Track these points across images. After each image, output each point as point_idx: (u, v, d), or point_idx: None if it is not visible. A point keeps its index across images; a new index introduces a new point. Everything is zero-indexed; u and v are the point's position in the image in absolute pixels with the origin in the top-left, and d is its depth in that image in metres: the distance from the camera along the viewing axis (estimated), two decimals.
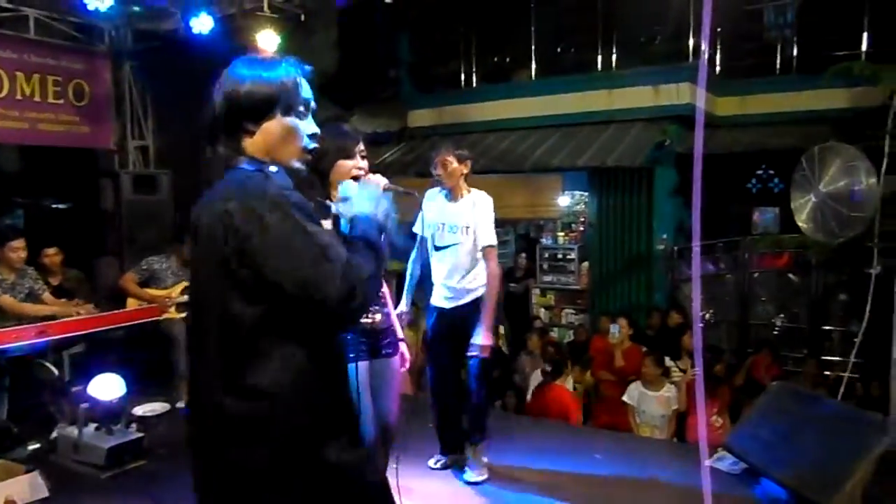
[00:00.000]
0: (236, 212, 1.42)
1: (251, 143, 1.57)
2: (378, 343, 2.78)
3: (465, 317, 3.68)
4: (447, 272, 3.69)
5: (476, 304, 3.67)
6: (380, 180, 1.78)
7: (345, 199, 1.71)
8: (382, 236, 1.62)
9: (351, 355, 2.38)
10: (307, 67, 1.65)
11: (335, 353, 1.59)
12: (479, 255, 3.67)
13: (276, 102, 1.55)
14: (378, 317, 2.75)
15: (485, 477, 3.82)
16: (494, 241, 3.68)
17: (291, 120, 1.58)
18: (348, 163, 2.52)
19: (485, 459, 3.90)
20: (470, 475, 3.81)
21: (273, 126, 1.56)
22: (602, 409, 6.13)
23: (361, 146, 2.57)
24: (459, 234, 3.63)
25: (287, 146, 1.58)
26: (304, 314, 1.44)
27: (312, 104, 1.64)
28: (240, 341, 1.45)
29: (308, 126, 1.62)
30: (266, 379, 1.44)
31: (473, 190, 3.73)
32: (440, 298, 3.79)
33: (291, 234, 1.41)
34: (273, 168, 1.54)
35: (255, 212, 1.41)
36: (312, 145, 1.63)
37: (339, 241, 1.51)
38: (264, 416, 1.44)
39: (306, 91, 1.61)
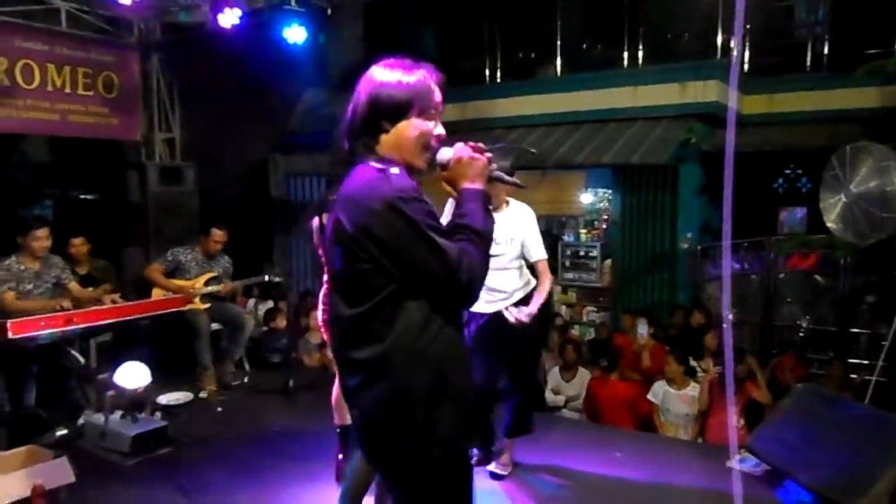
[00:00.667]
0: (365, 210, 1.61)
1: (385, 141, 1.74)
2: None
3: (504, 320, 3.61)
4: (489, 279, 3.58)
5: (521, 304, 3.64)
6: (482, 156, 1.82)
7: (443, 167, 1.80)
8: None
9: None
10: (441, 74, 1.80)
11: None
12: (521, 263, 3.67)
13: (412, 105, 1.72)
14: None
15: (508, 471, 3.87)
16: (545, 254, 3.69)
17: (423, 122, 1.75)
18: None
19: (516, 460, 3.98)
20: (494, 467, 3.87)
21: (407, 126, 1.73)
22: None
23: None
24: (503, 246, 3.58)
25: (417, 145, 1.75)
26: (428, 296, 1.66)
27: (441, 107, 1.79)
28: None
29: (437, 127, 1.78)
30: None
31: (513, 201, 3.70)
32: (481, 303, 3.67)
33: (409, 235, 1.60)
34: (395, 170, 1.67)
35: (379, 213, 1.60)
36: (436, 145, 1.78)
37: (448, 229, 1.67)
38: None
39: (438, 96, 1.77)
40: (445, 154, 1.79)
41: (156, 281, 5.53)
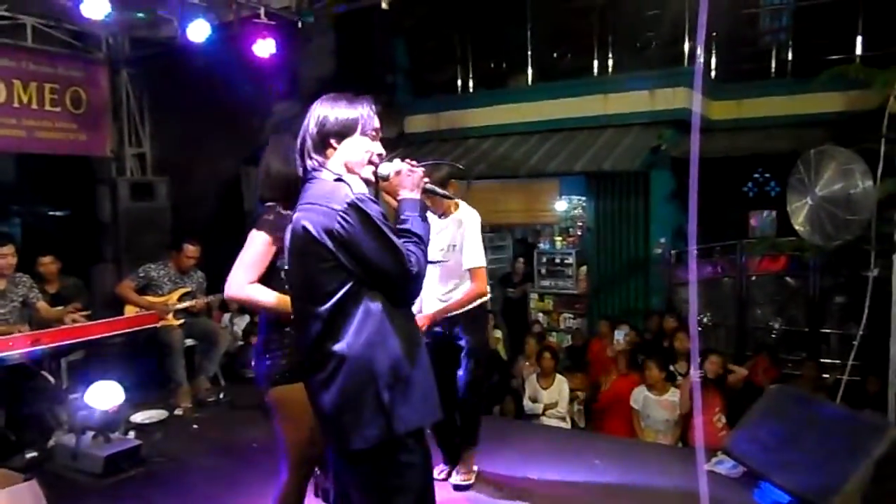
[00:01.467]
0: (327, 214, 1.85)
1: (333, 157, 2.00)
2: None
3: (455, 328, 3.64)
4: (436, 285, 3.63)
5: (467, 316, 3.62)
6: (418, 170, 2.08)
7: (384, 179, 2.05)
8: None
9: (288, 375, 2.56)
10: (378, 104, 2.09)
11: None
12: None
13: (356, 126, 2.01)
14: None
15: (471, 482, 3.81)
16: (480, 262, 3.58)
17: (366, 140, 2.03)
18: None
19: (475, 467, 3.89)
20: (455, 478, 3.82)
21: (352, 143, 2.01)
22: (602, 414, 6.13)
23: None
24: (447, 252, 3.55)
25: (362, 160, 2.01)
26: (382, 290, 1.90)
27: (379, 131, 2.07)
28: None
29: (376, 147, 2.05)
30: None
31: (462, 205, 3.64)
32: (431, 310, 3.69)
33: (367, 231, 1.84)
34: (353, 178, 1.95)
35: (341, 214, 1.84)
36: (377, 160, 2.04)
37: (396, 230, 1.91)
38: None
39: (376, 122, 2.06)
40: (387, 168, 2.05)
41: (128, 298, 5.44)
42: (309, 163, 2.02)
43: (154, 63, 7.57)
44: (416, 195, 2.02)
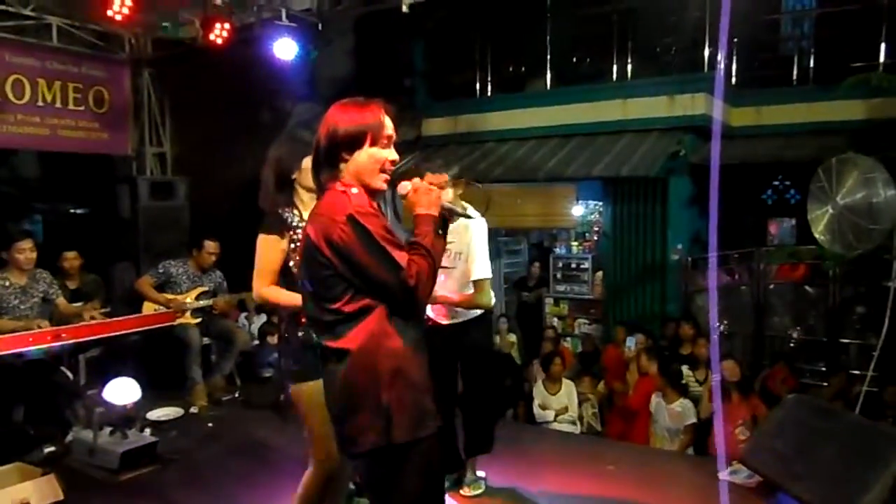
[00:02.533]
0: (328, 225, 1.92)
1: (345, 169, 2.02)
2: None
3: (461, 334, 3.56)
4: (440, 292, 3.46)
5: (476, 322, 3.55)
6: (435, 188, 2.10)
7: (403, 197, 2.09)
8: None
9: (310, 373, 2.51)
10: (390, 106, 2.09)
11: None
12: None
13: (365, 137, 2.00)
14: None
15: (480, 490, 3.74)
16: (486, 274, 3.49)
17: (377, 150, 2.02)
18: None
19: (481, 474, 3.82)
20: (465, 489, 3.73)
21: (362, 155, 2.01)
22: (616, 419, 6.10)
23: None
24: (453, 259, 3.47)
25: (373, 170, 2.03)
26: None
27: (392, 136, 2.07)
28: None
29: (390, 154, 2.06)
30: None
31: (470, 210, 3.44)
32: (438, 318, 3.62)
33: (363, 243, 1.88)
34: (354, 190, 1.97)
35: (340, 227, 1.89)
36: (390, 168, 2.07)
37: (401, 240, 1.95)
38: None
39: (388, 127, 2.06)
40: (405, 187, 2.09)
41: (146, 294, 5.49)
42: (322, 175, 2.06)
43: (176, 64, 7.64)
44: (433, 212, 2.03)
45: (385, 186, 2.07)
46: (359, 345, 1.93)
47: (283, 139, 2.87)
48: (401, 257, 1.90)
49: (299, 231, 2.69)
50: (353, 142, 2.00)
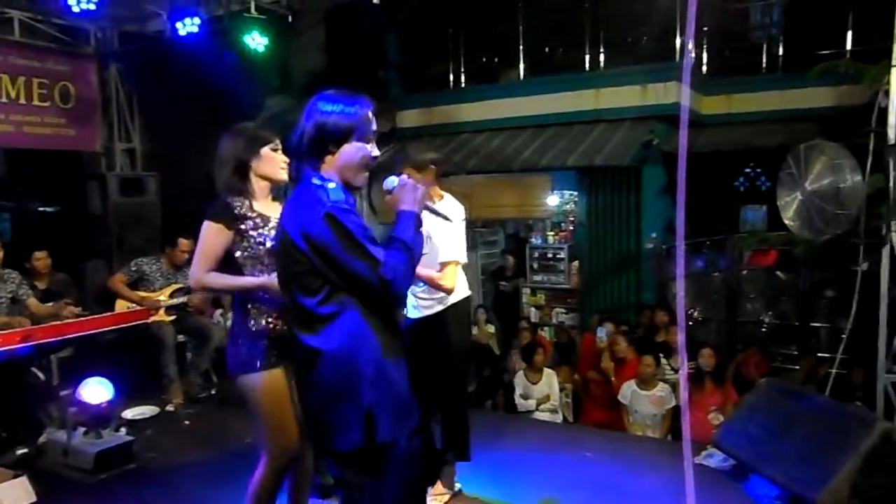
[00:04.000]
0: (304, 219, 1.91)
1: (329, 161, 2.01)
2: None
3: (435, 327, 3.42)
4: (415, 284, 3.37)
5: (449, 312, 3.42)
6: (420, 187, 2.13)
7: (388, 192, 2.11)
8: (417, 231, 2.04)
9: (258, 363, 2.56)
10: (375, 103, 2.08)
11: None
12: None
13: (353, 131, 2.00)
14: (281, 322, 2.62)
15: (445, 500, 3.54)
16: (451, 257, 3.30)
17: (363, 145, 2.03)
18: (276, 156, 2.75)
19: (458, 485, 3.65)
20: (429, 496, 3.46)
21: (350, 149, 2.01)
22: (591, 408, 6.16)
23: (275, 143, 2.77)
24: (426, 243, 3.34)
25: (358, 165, 2.04)
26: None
27: (376, 131, 2.07)
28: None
29: (373, 149, 2.07)
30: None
31: (447, 196, 3.45)
32: (409, 307, 3.51)
33: (339, 238, 1.87)
34: (332, 185, 1.97)
35: (317, 221, 1.88)
36: (373, 164, 2.08)
37: (373, 237, 1.93)
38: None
39: (374, 124, 2.06)
40: (391, 182, 2.10)
41: (119, 292, 5.42)
42: (303, 165, 2.04)
43: (144, 58, 7.51)
44: (416, 210, 2.05)
45: (364, 185, 2.07)
46: (338, 344, 1.92)
47: (242, 127, 2.82)
48: (378, 252, 1.90)
49: (248, 221, 2.66)
50: (343, 135, 2.00)
